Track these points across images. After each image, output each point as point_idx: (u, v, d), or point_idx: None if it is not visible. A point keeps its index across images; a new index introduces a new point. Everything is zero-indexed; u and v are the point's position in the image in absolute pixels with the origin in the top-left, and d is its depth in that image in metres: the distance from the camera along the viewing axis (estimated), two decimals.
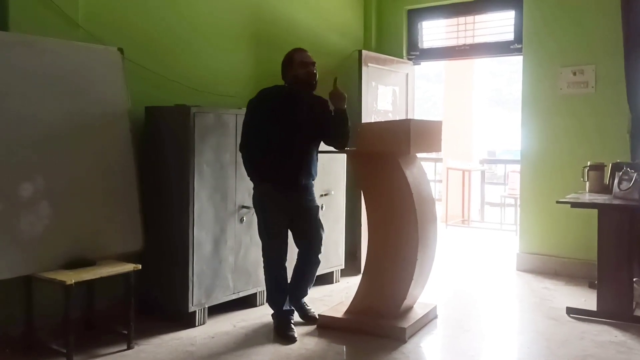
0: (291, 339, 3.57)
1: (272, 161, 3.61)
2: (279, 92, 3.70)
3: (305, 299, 3.98)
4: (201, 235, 3.78)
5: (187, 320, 3.77)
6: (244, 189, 4.05)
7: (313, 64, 3.65)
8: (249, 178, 3.72)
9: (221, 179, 3.91)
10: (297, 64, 3.62)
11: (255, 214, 3.78)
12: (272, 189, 3.63)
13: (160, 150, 3.89)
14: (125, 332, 3.39)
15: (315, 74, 3.65)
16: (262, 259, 3.81)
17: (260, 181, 3.66)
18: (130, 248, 3.63)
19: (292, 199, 3.69)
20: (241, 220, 4.05)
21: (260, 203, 3.72)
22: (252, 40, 4.91)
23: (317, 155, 3.82)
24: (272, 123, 3.60)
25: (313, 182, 3.82)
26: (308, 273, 3.87)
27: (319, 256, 3.86)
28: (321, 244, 3.85)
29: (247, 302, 4.20)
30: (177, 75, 4.20)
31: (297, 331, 3.69)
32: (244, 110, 4.06)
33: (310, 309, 3.96)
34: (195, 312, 3.78)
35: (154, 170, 3.90)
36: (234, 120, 3.97)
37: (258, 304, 4.24)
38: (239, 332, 3.73)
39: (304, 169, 3.70)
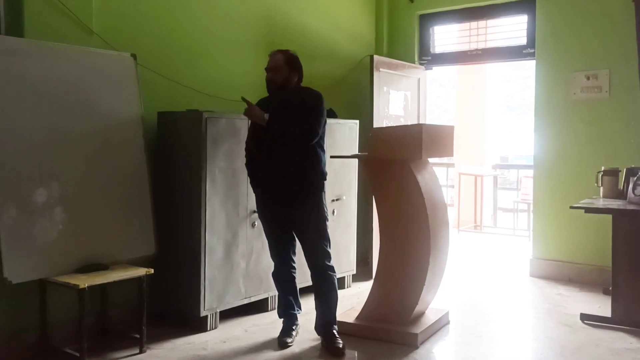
0: (282, 345, 3.56)
1: (260, 172, 3.59)
2: (264, 100, 3.70)
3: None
4: (213, 240, 3.79)
5: (198, 325, 3.78)
6: (253, 194, 4.06)
7: (268, 69, 3.60)
8: None
9: (233, 184, 3.92)
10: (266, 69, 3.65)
11: None
12: (260, 200, 3.65)
13: (172, 155, 3.91)
14: (138, 336, 3.41)
15: (269, 80, 3.59)
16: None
17: (254, 187, 3.69)
18: (143, 253, 3.65)
19: (283, 211, 3.54)
20: (252, 226, 4.06)
21: (257, 209, 3.76)
22: (265, 46, 4.92)
23: (316, 158, 3.51)
24: (255, 132, 3.58)
25: (313, 188, 3.52)
26: (320, 291, 3.59)
27: (328, 271, 3.56)
28: (325, 257, 3.55)
29: (259, 307, 4.21)
30: (190, 81, 4.22)
31: (310, 337, 3.69)
32: None
33: (337, 339, 3.51)
34: (207, 316, 3.79)
35: (166, 175, 3.93)
36: (246, 125, 3.98)
37: (269, 308, 4.24)
38: (250, 337, 3.74)
39: (291, 177, 3.46)
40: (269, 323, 4.00)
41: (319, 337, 3.66)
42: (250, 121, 3.61)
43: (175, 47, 4.18)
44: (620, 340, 3.69)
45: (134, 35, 3.90)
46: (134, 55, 3.74)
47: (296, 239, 3.67)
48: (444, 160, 9.58)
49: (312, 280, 3.65)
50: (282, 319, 3.78)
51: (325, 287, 3.57)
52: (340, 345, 3.47)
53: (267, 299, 4.24)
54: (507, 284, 5.23)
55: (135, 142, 3.70)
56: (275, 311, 4.20)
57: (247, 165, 3.67)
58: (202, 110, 3.75)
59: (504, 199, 9.94)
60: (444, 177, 9.92)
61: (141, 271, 3.40)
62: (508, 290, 5.06)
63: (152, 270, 3.44)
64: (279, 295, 3.84)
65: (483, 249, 7.11)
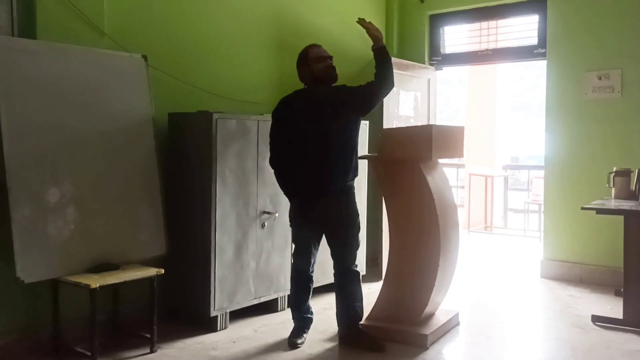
0: (292, 346, 3.55)
1: (303, 172, 3.46)
2: (298, 95, 3.59)
3: (330, 304, 3.78)
4: (223, 240, 3.81)
5: (209, 325, 3.80)
6: (265, 194, 4.08)
7: (330, 57, 3.53)
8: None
9: (243, 184, 3.93)
10: (312, 60, 3.52)
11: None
12: (302, 203, 3.52)
13: (183, 156, 3.93)
14: (149, 335, 3.43)
15: (334, 67, 3.53)
16: (287, 264, 3.82)
17: (290, 196, 3.58)
18: (154, 253, 3.67)
19: (325, 209, 3.49)
20: (263, 226, 4.07)
21: (291, 217, 3.65)
22: (275, 47, 4.95)
23: (356, 154, 3.60)
24: (297, 130, 3.45)
25: (353, 184, 3.61)
26: (349, 287, 3.60)
27: (355, 268, 3.62)
28: (355, 254, 3.62)
29: (269, 307, 4.22)
30: (201, 82, 4.24)
31: (321, 337, 3.70)
32: (266, 117, 4.10)
33: (370, 335, 3.57)
34: (217, 316, 3.80)
35: (177, 176, 3.95)
36: (256, 126, 4.00)
37: (279, 309, 4.25)
38: (260, 337, 3.75)
39: (340, 173, 3.50)
40: (279, 323, 4.01)
41: (327, 336, 3.68)
42: (303, 131, 3.45)
43: (185, 48, 4.20)
44: (631, 342, 3.67)
45: (145, 36, 3.93)
46: (144, 56, 3.77)
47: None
48: (454, 160, 9.55)
49: (340, 278, 3.62)
50: (294, 320, 3.75)
51: (355, 283, 3.62)
52: (377, 340, 3.53)
53: (277, 299, 4.25)
54: (518, 285, 5.21)
55: (146, 143, 3.72)
56: (285, 312, 4.23)
57: (288, 173, 3.52)
58: (212, 111, 3.77)
59: (515, 199, 9.89)
60: (454, 178, 9.89)
61: (152, 271, 3.42)
62: (519, 291, 5.03)
63: (162, 271, 3.46)
64: (295, 298, 3.74)
65: (493, 250, 7.08)
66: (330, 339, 3.70)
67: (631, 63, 4.90)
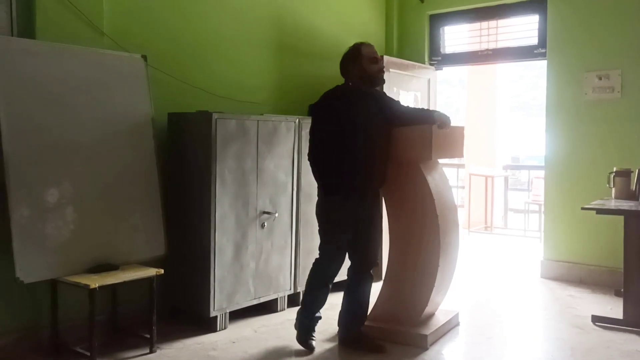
0: (311, 348, 3.51)
1: (350, 169, 3.36)
2: (344, 91, 3.48)
3: (330, 304, 3.73)
4: (222, 240, 3.80)
5: (208, 325, 3.79)
6: (265, 194, 4.08)
7: (382, 59, 3.54)
8: (319, 189, 3.49)
9: (243, 185, 3.93)
10: (366, 60, 3.45)
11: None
12: (342, 199, 3.38)
13: (182, 156, 3.93)
14: (148, 336, 3.43)
15: (384, 71, 3.55)
16: (286, 264, 3.79)
17: (334, 194, 3.40)
18: (153, 253, 3.67)
19: (361, 209, 3.45)
20: (262, 226, 4.07)
21: (326, 214, 3.47)
22: (275, 47, 4.95)
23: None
24: (343, 127, 3.35)
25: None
26: (364, 287, 3.60)
27: (372, 271, 3.61)
28: (376, 256, 3.65)
29: (268, 307, 4.22)
30: (201, 83, 4.24)
31: (321, 337, 3.69)
32: (266, 117, 4.12)
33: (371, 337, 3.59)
34: (216, 317, 3.80)
35: (176, 176, 3.95)
36: (256, 126, 4.00)
37: (279, 309, 4.25)
38: (260, 338, 3.74)
39: (380, 174, 3.52)
40: (279, 324, 4.01)
41: (327, 337, 3.69)
42: (348, 128, 3.36)
43: (185, 48, 4.20)
44: (631, 342, 3.66)
45: (145, 36, 3.93)
46: (144, 57, 3.77)
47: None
48: (455, 160, 9.54)
49: (358, 277, 3.57)
50: (304, 319, 3.58)
51: (370, 284, 3.62)
52: (377, 342, 3.54)
53: (276, 299, 4.24)
54: (518, 285, 5.20)
55: (146, 143, 3.72)
56: (285, 312, 4.25)
57: (330, 169, 3.39)
58: (212, 111, 3.76)
59: (515, 199, 9.89)
60: (454, 178, 9.88)
61: (151, 271, 3.41)
62: (519, 291, 5.03)
63: (162, 271, 3.46)
64: (315, 300, 3.56)
65: (493, 250, 7.07)
66: (330, 340, 3.70)
67: (631, 64, 4.89)
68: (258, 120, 4.02)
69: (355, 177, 3.38)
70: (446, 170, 4.30)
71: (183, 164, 3.93)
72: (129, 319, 3.68)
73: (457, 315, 4.05)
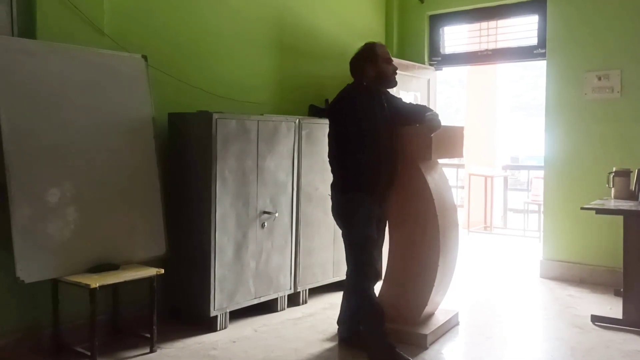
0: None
1: (376, 168, 3.34)
2: (360, 92, 3.43)
3: (330, 303, 3.74)
4: (223, 240, 3.81)
5: (209, 325, 3.80)
6: (265, 194, 4.08)
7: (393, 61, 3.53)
8: (338, 187, 3.40)
9: (243, 184, 3.94)
10: (382, 60, 3.44)
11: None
12: (365, 194, 3.32)
13: (183, 156, 3.94)
14: (148, 335, 3.44)
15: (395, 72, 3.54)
16: (286, 264, 3.76)
17: (351, 189, 3.33)
18: (153, 253, 3.68)
19: (379, 207, 3.43)
20: (262, 226, 4.07)
21: (350, 209, 3.36)
22: (275, 47, 4.96)
23: None
24: (364, 124, 3.32)
25: None
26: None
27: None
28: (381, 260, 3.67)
29: (269, 307, 4.22)
30: (201, 83, 4.25)
31: (321, 337, 3.70)
32: (266, 117, 4.12)
33: None
34: (217, 316, 3.81)
35: (177, 176, 3.96)
36: (256, 126, 4.00)
37: (279, 309, 4.26)
38: (260, 337, 3.75)
39: (396, 172, 3.52)
40: (279, 323, 4.02)
41: (327, 336, 3.70)
42: (372, 125, 3.35)
43: (186, 48, 4.21)
44: (631, 342, 3.67)
45: (145, 36, 3.93)
46: (144, 57, 3.77)
47: None
48: (454, 161, 9.56)
49: (378, 276, 3.53)
50: (380, 338, 3.34)
51: (373, 283, 3.52)
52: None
53: (276, 299, 4.25)
54: (518, 285, 5.21)
55: (146, 143, 3.72)
56: (285, 311, 4.27)
57: (374, 175, 3.34)
58: (212, 111, 3.77)
59: (515, 199, 9.90)
60: (454, 178, 9.89)
61: (152, 271, 3.42)
62: (518, 291, 5.04)
63: (162, 271, 3.47)
64: (371, 308, 3.38)
65: (493, 250, 7.08)
66: (330, 339, 3.70)
67: (631, 63, 4.90)
68: (258, 121, 4.03)
69: (377, 174, 3.36)
70: (446, 170, 4.31)
71: (183, 164, 3.94)
72: (130, 319, 3.69)
73: (456, 315, 4.06)
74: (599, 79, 5.05)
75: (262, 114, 4.22)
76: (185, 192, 3.91)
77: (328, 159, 3.47)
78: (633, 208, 3.95)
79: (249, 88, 4.69)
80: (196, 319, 3.84)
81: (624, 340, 3.70)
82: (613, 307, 4.28)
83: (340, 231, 3.48)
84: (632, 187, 4.36)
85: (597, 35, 5.07)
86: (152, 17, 4.00)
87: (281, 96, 4.98)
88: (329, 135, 3.44)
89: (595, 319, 4.03)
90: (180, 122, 3.97)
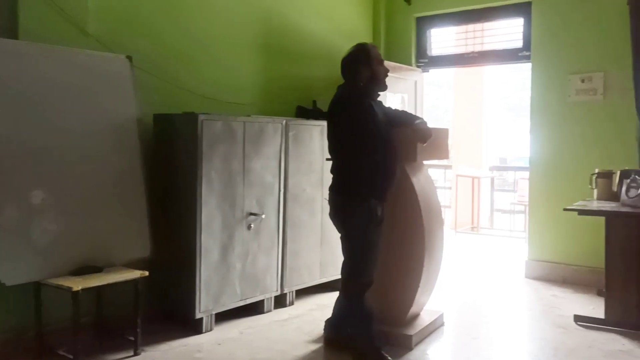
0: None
1: (379, 170, 3.28)
2: (364, 93, 3.38)
3: (317, 305, 3.70)
4: (209, 242, 3.80)
5: (194, 327, 3.79)
6: (252, 196, 4.08)
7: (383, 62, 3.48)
8: (342, 190, 3.33)
9: (229, 186, 3.93)
10: (377, 61, 3.39)
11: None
12: (366, 198, 3.26)
13: (168, 157, 3.93)
14: (133, 338, 3.42)
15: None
16: (273, 265, 3.74)
17: (352, 193, 3.27)
18: (138, 255, 3.66)
19: (378, 211, 3.34)
20: (249, 227, 4.07)
21: (369, 221, 3.29)
22: (262, 49, 4.96)
23: None
24: (374, 126, 3.28)
25: None
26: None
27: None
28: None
29: (255, 308, 4.22)
30: (188, 84, 4.24)
31: (307, 339, 3.71)
32: (253, 118, 4.12)
33: None
34: (202, 318, 3.80)
35: (162, 177, 3.95)
36: (242, 127, 4.00)
37: (265, 310, 4.25)
38: (246, 339, 3.75)
39: (395, 176, 3.45)
40: (265, 325, 4.02)
41: (313, 337, 3.71)
42: (377, 129, 3.30)
43: (172, 48, 4.19)
44: (613, 341, 3.71)
45: (130, 36, 3.92)
46: (129, 57, 3.76)
47: None
48: (442, 162, 9.60)
49: (372, 281, 3.41)
50: (369, 343, 3.35)
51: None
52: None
53: (262, 301, 4.24)
54: (503, 286, 5.24)
55: (131, 144, 3.71)
56: (271, 313, 4.26)
57: (380, 177, 3.31)
58: (198, 113, 3.76)
59: (502, 200, 9.96)
60: (442, 179, 9.94)
61: (135, 273, 3.41)
62: (504, 291, 5.07)
63: (146, 273, 3.45)
64: (367, 316, 3.37)
65: (480, 251, 7.12)
66: (316, 341, 3.71)
67: (613, 66, 4.95)
68: (244, 122, 4.03)
69: (384, 177, 3.34)
70: (434, 171, 4.34)
71: (169, 165, 3.92)
72: (114, 321, 3.67)
73: (442, 316, 4.08)
74: (583, 81, 5.10)
75: (248, 115, 4.22)
76: (170, 194, 3.90)
77: (333, 162, 3.40)
78: (615, 209, 4.00)
79: (236, 89, 4.69)
80: (181, 321, 3.83)
81: (606, 340, 3.74)
82: (595, 307, 4.33)
83: (329, 233, 3.47)
84: (614, 188, 4.41)
85: (580, 39, 5.12)
86: (138, 17, 3.99)
87: (268, 97, 4.98)
88: (331, 137, 3.38)
89: (578, 318, 4.07)
90: (166, 123, 3.96)
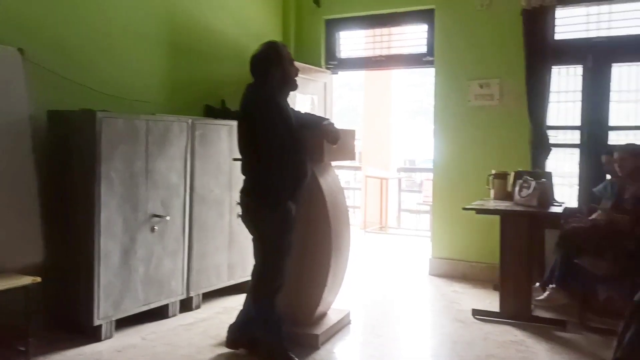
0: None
1: (293, 172, 3.27)
2: (277, 93, 3.32)
3: (224, 308, 3.64)
4: (109, 245, 3.64)
5: (92, 334, 3.61)
6: (156, 197, 3.96)
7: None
8: (256, 193, 3.27)
9: (131, 187, 3.78)
10: (288, 62, 3.35)
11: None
12: (280, 201, 3.25)
13: (64, 156, 3.72)
14: (23, 348, 3.21)
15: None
16: (178, 268, 3.66)
17: (265, 195, 3.23)
18: (30, 260, 3.43)
19: (292, 213, 3.34)
20: (152, 230, 3.94)
21: (284, 224, 3.29)
22: (169, 46, 4.81)
23: None
24: (289, 127, 3.26)
25: None
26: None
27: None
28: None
29: (159, 313, 4.09)
30: (88, 80, 4.03)
31: (212, 342, 3.64)
32: (158, 117, 4.00)
33: None
34: (101, 325, 3.63)
35: (58, 178, 3.73)
36: (145, 126, 3.87)
37: (170, 315, 4.13)
38: (148, 345, 3.62)
39: (306, 176, 3.43)
40: (170, 330, 3.91)
41: (218, 341, 3.66)
42: (290, 129, 3.29)
43: (69, 42, 3.97)
44: (506, 333, 3.93)
45: (22, 28, 3.67)
46: (21, 50, 3.52)
47: None
48: (352, 163, 9.76)
49: (284, 285, 3.41)
50: (279, 342, 3.35)
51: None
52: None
53: (167, 305, 4.12)
54: (408, 283, 5.41)
55: (23, 143, 3.49)
56: (176, 317, 4.15)
57: (296, 179, 3.31)
58: (96, 110, 3.59)
59: (409, 201, 10.28)
60: (352, 180, 10.13)
61: (26, 280, 3.20)
62: (409, 289, 5.24)
63: (39, 279, 3.25)
64: (277, 314, 3.39)
65: (387, 250, 7.31)
66: (222, 344, 3.63)
67: (508, 73, 5.24)
68: (148, 120, 3.90)
69: (298, 179, 3.32)
70: (343, 172, 4.39)
71: (65, 164, 3.72)
72: (4, 331, 3.41)
73: (348, 314, 4.15)
74: (481, 87, 5.38)
75: (153, 114, 4.09)
76: (67, 195, 3.70)
77: (244, 164, 3.34)
78: (508, 208, 4.24)
79: (140, 87, 4.52)
80: (79, 328, 3.65)
81: (500, 332, 3.96)
82: (492, 301, 4.55)
83: (237, 234, 3.43)
84: (509, 188, 4.68)
85: (478, 46, 5.39)
86: (30, 7, 3.74)
87: (175, 96, 4.85)
88: (243, 138, 3.30)
89: (476, 312, 4.28)
90: (62, 120, 3.75)
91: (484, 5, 5.35)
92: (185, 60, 4.97)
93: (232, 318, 3.81)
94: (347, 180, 11.48)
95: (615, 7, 5.03)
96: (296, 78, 3.47)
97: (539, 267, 4.69)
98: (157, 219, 3.97)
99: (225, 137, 4.53)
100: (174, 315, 4.16)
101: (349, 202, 10.34)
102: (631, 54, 4.93)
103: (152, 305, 4.00)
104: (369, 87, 9.62)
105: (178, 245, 4.16)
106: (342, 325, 4.01)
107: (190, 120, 4.23)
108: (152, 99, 4.58)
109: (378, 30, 6.22)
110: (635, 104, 5.04)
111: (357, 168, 9.60)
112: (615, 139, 5.00)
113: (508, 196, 4.62)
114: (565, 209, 4.38)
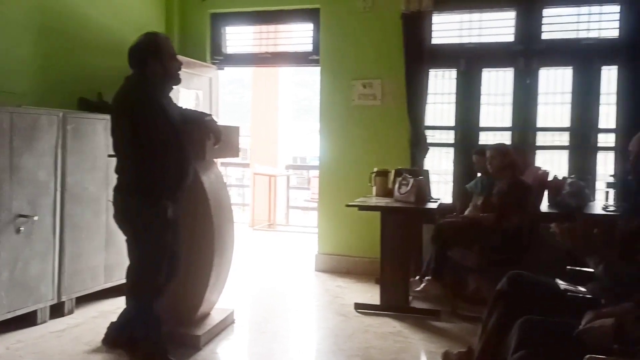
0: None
1: (173, 169, 3.14)
2: (156, 87, 3.19)
3: (100, 312, 3.49)
4: None
5: None
6: (22, 196, 3.67)
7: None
8: (132, 190, 3.13)
9: None
10: (168, 56, 3.20)
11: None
12: (160, 198, 3.12)
13: None
14: None
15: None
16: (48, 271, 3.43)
17: (144, 191, 3.10)
18: None
19: (177, 210, 3.26)
20: (18, 231, 3.65)
21: (160, 221, 3.14)
22: (38, 32, 4.46)
23: None
24: (167, 123, 3.12)
25: None
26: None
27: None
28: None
29: (27, 320, 3.80)
30: None
31: (86, 349, 3.45)
32: (23, 109, 3.71)
33: None
34: None
35: None
36: (9, 119, 3.57)
37: (39, 321, 3.85)
38: (13, 355, 3.35)
39: (189, 174, 3.31)
40: (38, 337, 3.64)
41: (93, 347, 3.48)
42: (169, 125, 3.14)
43: None
44: (385, 325, 4.08)
45: None
46: None
47: None
48: (240, 160, 9.69)
49: (164, 285, 3.28)
50: (157, 343, 3.24)
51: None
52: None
53: (36, 311, 3.83)
54: (295, 280, 5.46)
55: None
56: (46, 324, 3.90)
57: (176, 177, 3.18)
58: None
59: (297, 198, 10.39)
60: (240, 177, 10.04)
61: None
62: (295, 285, 5.28)
63: None
64: (155, 314, 3.24)
65: (275, 247, 7.33)
66: (96, 350, 3.46)
67: (389, 74, 5.44)
68: (12, 113, 3.60)
69: (179, 177, 3.20)
70: (231, 169, 4.33)
71: None
72: None
73: (232, 313, 4.10)
74: (364, 87, 5.54)
75: (19, 106, 3.79)
76: None
77: (119, 161, 3.17)
78: (388, 204, 4.41)
79: (4, 75, 4.16)
80: None
81: (379, 324, 4.10)
82: (373, 295, 4.71)
83: (115, 234, 3.27)
84: (390, 185, 4.86)
85: (361, 47, 5.54)
86: None
87: (46, 87, 4.51)
88: (119, 134, 3.13)
89: (358, 306, 4.41)
90: None
91: (367, 8, 5.51)
92: (58, 49, 4.64)
93: (108, 322, 3.65)
94: (238, 178, 11.40)
95: (485, 15, 5.39)
96: (179, 72, 3.35)
97: (417, 260, 4.93)
98: (23, 219, 3.68)
99: (101, 132, 4.30)
100: (44, 321, 3.89)
101: (239, 200, 10.32)
102: (498, 60, 5.31)
103: (19, 312, 3.70)
104: (257, 84, 9.59)
105: (48, 246, 3.89)
106: (225, 324, 3.95)
107: (61, 114, 3.96)
108: (18, 90, 4.23)
109: (265, 27, 6.20)
110: (502, 107, 5.42)
111: (246, 165, 9.53)
112: (485, 139, 5.36)
113: (389, 193, 4.80)
114: (440, 205, 4.64)
